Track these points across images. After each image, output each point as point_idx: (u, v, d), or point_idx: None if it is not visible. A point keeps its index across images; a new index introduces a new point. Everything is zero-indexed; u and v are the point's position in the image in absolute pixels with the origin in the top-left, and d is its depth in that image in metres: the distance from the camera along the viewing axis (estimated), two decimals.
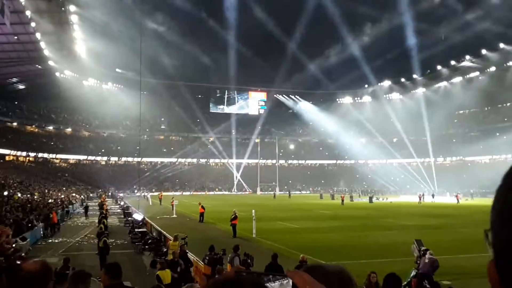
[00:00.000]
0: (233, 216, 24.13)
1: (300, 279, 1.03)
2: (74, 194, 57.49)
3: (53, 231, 26.73)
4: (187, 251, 14.27)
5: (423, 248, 13.45)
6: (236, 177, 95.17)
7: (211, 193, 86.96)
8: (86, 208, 39.03)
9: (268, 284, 1.12)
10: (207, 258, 12.93)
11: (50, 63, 77.56)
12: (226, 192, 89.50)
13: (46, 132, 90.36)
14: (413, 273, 12.78)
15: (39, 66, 72.14)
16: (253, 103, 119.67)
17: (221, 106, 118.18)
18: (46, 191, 53.42)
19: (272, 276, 1.16)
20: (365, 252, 18.49)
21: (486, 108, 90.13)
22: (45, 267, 2.61)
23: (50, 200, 38.64)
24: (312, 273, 1.09)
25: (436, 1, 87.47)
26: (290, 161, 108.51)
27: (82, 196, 57.52)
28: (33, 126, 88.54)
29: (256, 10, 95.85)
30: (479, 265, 15.41)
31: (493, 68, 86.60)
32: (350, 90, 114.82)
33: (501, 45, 78.47)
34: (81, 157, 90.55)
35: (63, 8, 56.98)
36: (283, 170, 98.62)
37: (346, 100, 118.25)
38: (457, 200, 55.75)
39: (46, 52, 72.22)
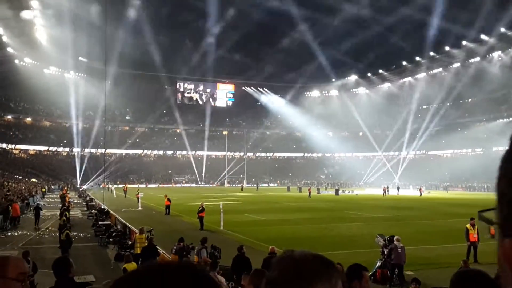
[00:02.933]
0: (200, 208, 23.89)
1: None
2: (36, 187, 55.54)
3: (14, 223, 25.75)
4: (155, 245, 13.96)
5: (387, 237, 13.67)
6: (203, 169, 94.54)
7: (178, 185, 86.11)
8: (37, 211, 26.63)
9: None
10: (175, 248, 12.77)
11: (9, 50, 74.47)
12: (193, 185, 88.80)
13: (4, 121, 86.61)
14: (378, 263, 12.99)
15: None
16: (221, 95, 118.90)
17: (188, 96, 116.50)
18: (6, 183, 51.37)
19: None
20: (331, 244, 18.67)
21: (448, 104, 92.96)
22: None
23: (8, 192, 37.03)
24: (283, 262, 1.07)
25: None
26: (258, 154, 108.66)
27: (43, 189, 55.58)
28: None
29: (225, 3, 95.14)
30: (439, 256, 15.89)
31: (456, 65, 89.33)
32: (317, 84, 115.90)
33: (464, 42, 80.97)
34: (42, 148, 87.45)
35: None
36: (251, 163, 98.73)
37: (314, 93, 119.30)
38: (420, 193, 57.39)
39: (5, 38, 69.25)
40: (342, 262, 9.86)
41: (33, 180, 67.41)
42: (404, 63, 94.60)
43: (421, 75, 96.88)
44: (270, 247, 11.52)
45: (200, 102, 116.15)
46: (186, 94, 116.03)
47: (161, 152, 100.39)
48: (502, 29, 74.14)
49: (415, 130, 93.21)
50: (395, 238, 12.91)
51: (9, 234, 22.78)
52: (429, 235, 21.19)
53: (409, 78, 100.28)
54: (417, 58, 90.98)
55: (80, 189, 61.11)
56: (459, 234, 16.42)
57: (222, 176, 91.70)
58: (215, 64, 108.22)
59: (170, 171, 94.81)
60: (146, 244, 13.53)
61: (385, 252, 12.88)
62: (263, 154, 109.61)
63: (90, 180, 74.50)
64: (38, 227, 24.97)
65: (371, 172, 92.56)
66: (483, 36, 77.56)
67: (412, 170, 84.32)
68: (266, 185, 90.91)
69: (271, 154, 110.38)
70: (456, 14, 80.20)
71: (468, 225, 15.57)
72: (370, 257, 13.85)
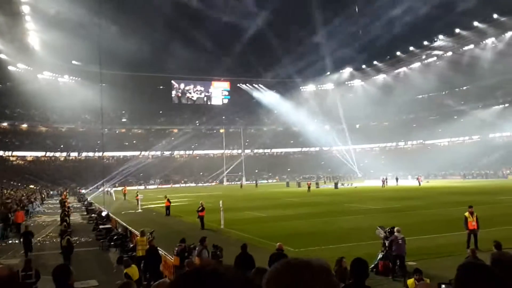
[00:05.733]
0: (200, 208, 23.88)
1: None
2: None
3: (16, 231, 25.64)
4: (157, 246, 13.95)
5: (388, 228, 13.70)
6: (202, 168, 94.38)
7: (177, 185, 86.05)
8: (27, 237, 17.72)
9: None
10: (176, 248, 12.74)
11: (2, 56, 74.20)
12: (192, 184, 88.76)
13: (0, 128, 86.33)
14: (380, 255, 13.03)
15: None
16: (216, 93, 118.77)
17: (183, 95, 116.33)
18: (5, 190, 51.25)
19: None
20: (332, 238, 18.73)
21: (443, 92, 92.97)
22: (10, 273, 2.43)
23: (8, 200, 36.87)
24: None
25: None
26: (255, 150, 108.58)
27: (42, 195, 55.37)
28: None
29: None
30: (440, 245, 15.95)
31: (449, 53, 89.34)
32: (313, 78, 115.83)
33: (457, 30, 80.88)
34: (39, 154, 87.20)
35: None
36: (249, 160, 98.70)
37: (309, 87, 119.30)
38: (419, 182, 57.55)
39: None
40: (345, 255, 9.96)
41: (31, 186, 67.19)
42: (398, 53, 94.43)
43: (416, 65, 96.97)
44: (278, 243, 11.43)
45: (196, 101, 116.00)
46: (181, 93, 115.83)
47: (158, 152, 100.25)
48: (495, 15, 74.14)
49: (412, 120, 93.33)
50: (395, 229, 12.95)
51: (10, 242, 22.74)
52: (429, 224, 21.24)
53: (404, 69, 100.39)
54: (411, 48, 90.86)
55: (79, 193, 60.99)
56: (459, 222, 16.48)
57: (220, 174, 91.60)
58: (210, 62, 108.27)
59: (168, 172, 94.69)
60: (148, 246, 13.52)
61: (386, 244, 12.92)
62: (260, 151, 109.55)
63: (89, 184, 74.36)
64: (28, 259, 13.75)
65: (370, 164, 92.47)
66: (476, 23, 77.49)
67: (410, 160, 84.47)
68: (265, 181, 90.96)
69: (268, 150, 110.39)
70: (447, 1, 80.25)
71: (466, 213, 15.63)
72: (372, 249, 13.91)
